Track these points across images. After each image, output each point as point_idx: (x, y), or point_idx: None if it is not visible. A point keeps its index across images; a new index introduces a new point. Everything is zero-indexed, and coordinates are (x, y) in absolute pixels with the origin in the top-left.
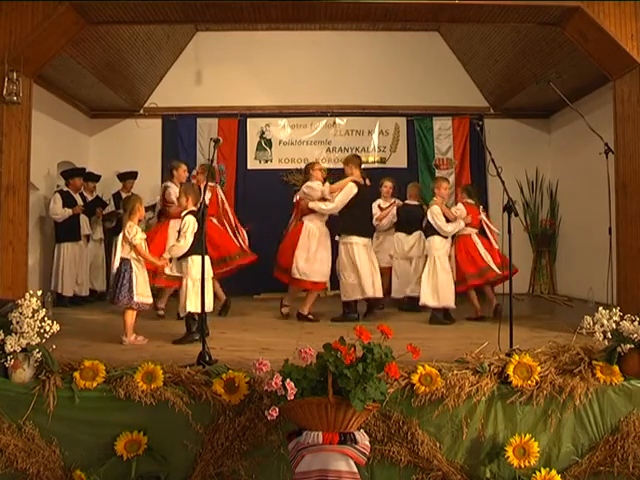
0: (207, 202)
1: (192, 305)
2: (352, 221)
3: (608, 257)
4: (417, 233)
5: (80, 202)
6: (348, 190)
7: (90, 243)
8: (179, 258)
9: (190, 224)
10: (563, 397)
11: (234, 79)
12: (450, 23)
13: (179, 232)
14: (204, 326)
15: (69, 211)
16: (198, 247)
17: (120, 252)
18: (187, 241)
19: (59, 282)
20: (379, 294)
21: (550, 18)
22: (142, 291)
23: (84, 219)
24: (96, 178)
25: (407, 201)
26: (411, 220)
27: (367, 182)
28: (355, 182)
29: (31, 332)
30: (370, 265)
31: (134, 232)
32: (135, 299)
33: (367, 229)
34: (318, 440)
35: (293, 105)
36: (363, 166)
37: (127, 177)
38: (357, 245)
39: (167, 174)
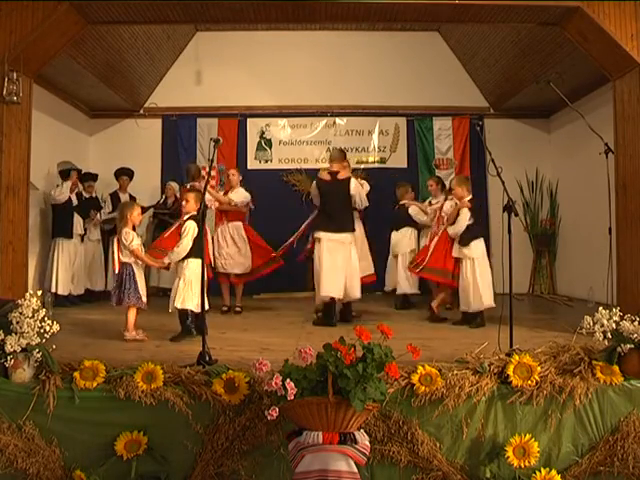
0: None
1: (182, 302)
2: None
3: (608, 257)
4: (404, 230)
5: (75, 202)
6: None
7: (88, 243)
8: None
9: (191, 229)
10: (563, 397)
11: (234, 79)
12: (450, 23)
13: (180, 235)
14: (204, 326)
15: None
16: (197, 251)
17: (117, 256)
18: (184, 246)
19: (53, 281)
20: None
21: (550, 18)
22: (142, 292)
23: (77, 219)
24: (93, 177)
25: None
26: (398, 218)
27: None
28: (319, 178)
29: (31, 332)
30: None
31: (130, 238)
32: (143, 299)
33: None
34: (318, 440)
35: (293, 105)
36: (363, 166)
37: (121, 173)
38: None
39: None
